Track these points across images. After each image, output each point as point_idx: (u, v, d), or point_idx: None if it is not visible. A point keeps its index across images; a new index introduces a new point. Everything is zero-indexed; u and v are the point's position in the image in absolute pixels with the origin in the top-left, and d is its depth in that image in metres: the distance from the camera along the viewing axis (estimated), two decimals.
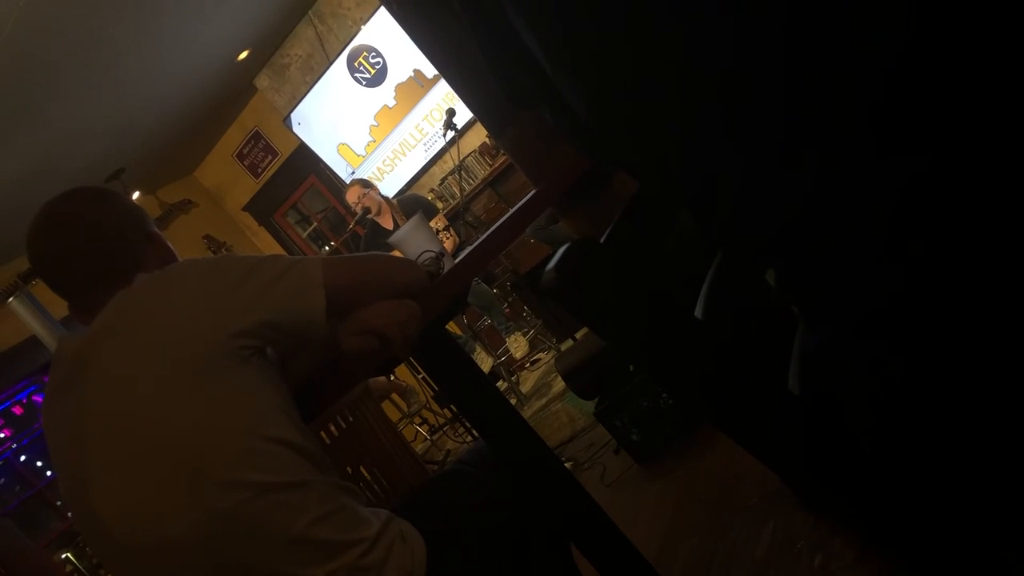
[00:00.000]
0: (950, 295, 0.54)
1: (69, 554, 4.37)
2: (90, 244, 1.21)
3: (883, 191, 0.55)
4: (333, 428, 2.52)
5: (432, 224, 4.19)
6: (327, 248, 7.39)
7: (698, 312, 0.86)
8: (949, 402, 0.57)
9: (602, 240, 0.84)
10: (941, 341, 0.55)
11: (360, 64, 6.15)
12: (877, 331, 0.58)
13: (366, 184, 4.93)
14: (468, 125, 5.88)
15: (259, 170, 7.27)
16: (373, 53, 6.08)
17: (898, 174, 0.54)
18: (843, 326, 0.60)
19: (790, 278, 0.64)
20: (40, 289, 4.46)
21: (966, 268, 0.53)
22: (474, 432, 3.99)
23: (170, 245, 1.31)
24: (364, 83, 6.20)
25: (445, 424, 4.82)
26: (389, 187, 6.35)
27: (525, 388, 4.87)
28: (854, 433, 0.64)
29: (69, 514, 5.05)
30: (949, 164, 0.52)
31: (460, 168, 5.19)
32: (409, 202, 4.95)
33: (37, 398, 5.80)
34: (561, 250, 0.66)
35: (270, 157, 7.17)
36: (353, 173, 6.41)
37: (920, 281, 0.55)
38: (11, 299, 4.63)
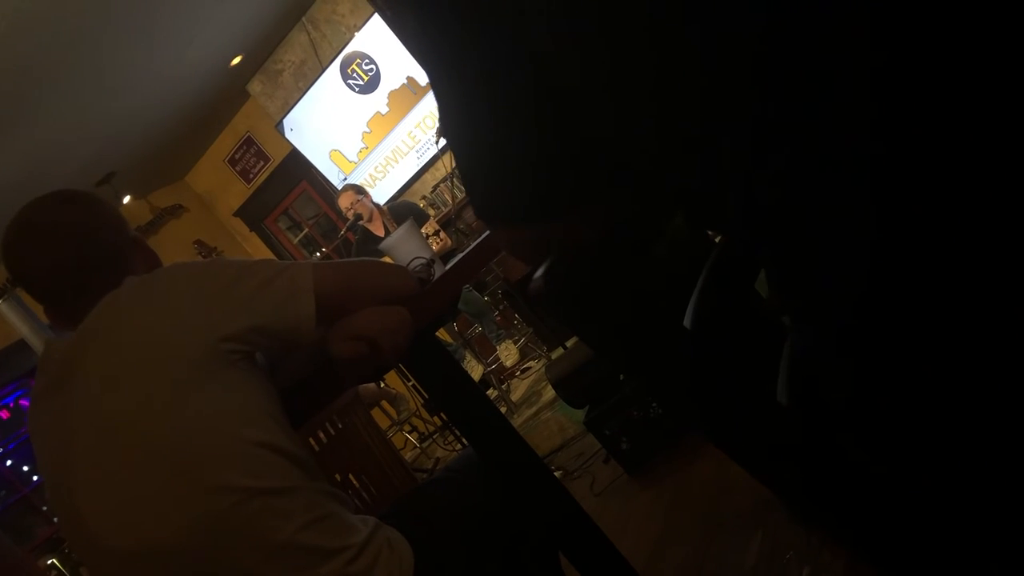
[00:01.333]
0: (933, 302, 0.54)
1: (55, 560, 4.33)
2: (79, 255, 1.19)
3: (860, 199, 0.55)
4: (322, 434, 2.51)
5: (423, 231, 4.19)
6: (318, 254, 7.37)
7: (687, 321, 0.86)
8: (936, 415, 0.57)
9: (591, 247, 0.84)
10: (931, 352, 0.55)
11: (353, 71, 6.15)
12: (864, 336, 0.58)
13: (359, 190, 4.92)
14: None
15: (251, 175, 7.26)
16: (366, 60, 6.08)
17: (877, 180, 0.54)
18: (828, 329, 0.60)
19: (781, 279, 0.63)
20: None
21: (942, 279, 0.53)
22: (464, 440, 3.97)
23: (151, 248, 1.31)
24: (357, 90, 6.20)
25: (435, 432, 4.81)
26: (381, 194, 6.35)
27: (515, 396, 4.86)
28: (841, 441, 0.64)
29: (55, 519, 5.01)
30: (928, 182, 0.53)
31: (452, 175, 5.18)
32: (400, 209, 4.94)
33: (24, 402, 5.76)
34: (550, 258, 0.65)
35: (262, 162, 7.16)
36: (345, 179, 6.41)
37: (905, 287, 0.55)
38: None
